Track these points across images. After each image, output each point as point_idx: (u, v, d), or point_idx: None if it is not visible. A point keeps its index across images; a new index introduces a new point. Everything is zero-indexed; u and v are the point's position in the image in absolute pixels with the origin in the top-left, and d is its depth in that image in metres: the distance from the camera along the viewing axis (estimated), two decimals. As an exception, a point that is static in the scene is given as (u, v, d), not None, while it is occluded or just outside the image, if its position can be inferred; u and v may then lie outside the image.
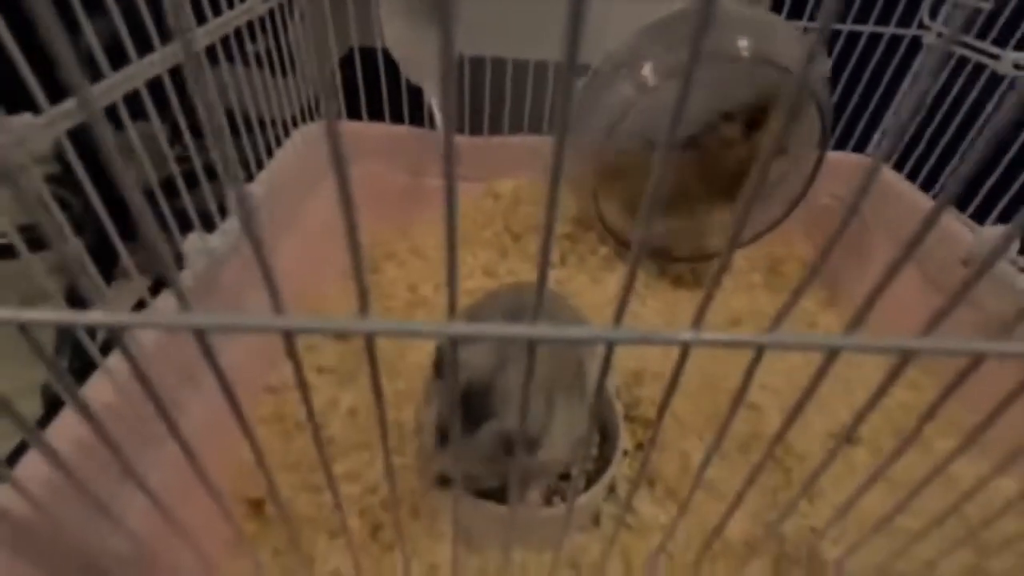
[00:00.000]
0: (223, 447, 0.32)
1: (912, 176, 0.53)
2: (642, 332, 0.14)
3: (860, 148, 0.58)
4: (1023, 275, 0.43)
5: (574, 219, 0.59)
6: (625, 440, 0.39)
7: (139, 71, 0.26)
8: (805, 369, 0.52)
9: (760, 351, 0.15)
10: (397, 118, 0.58)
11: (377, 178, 0.59)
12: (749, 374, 0.16)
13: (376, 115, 0.58)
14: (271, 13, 0.43)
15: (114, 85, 0.25)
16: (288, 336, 0.14)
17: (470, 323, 0.14)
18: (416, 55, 0.53)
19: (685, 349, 0.15)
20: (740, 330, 0.52)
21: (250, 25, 0.40)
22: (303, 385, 0.15)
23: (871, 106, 0.55)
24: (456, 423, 0.18)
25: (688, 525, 0.35)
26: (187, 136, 0.33)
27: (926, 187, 0.51)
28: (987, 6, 0.46)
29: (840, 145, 0.58)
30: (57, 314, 0.13)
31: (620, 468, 0.38)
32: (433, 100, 0.54)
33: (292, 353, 0.14)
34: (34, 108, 0.20)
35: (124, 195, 0.12)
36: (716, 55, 0.45)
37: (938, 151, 0.50)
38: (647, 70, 0.46)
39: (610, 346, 0.15)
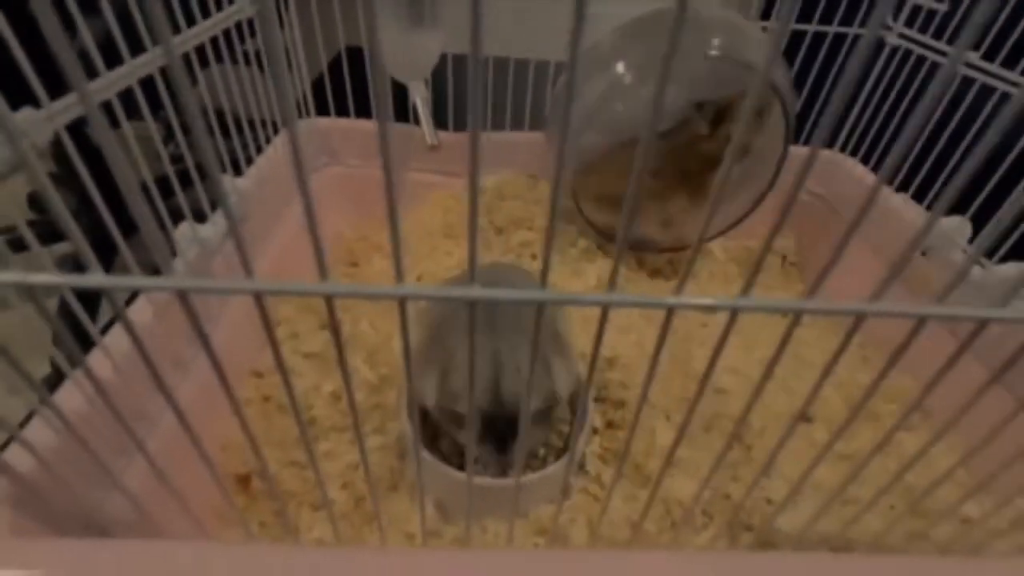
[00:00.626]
0: (210, 427, 0.34)
1: (878, 168, 0.56)
2: (568, 294, 0.17)
3: (830, 144, 0.60)
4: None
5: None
6: (595, 419, 0.42)
7: (132, 70, 0.28)
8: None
9: (670, 312, 0.17)
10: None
11: (363, 173, 0.61)
12: (663, 335, 0.18)
13: (364, 113, 0.60)
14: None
15: (109, 83, 0.27)
16: (258, 298, 0.16)
17: (418, 288, 0.16)
18: (401, 55, 0.54)
19: (605, 310, 0.17)
20: (712, 318, 0.55)
21: (239, 25, 0.42)
22: (274, 344, 0.17)
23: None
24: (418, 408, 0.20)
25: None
26: (180, 135, 0.35)
27: (891, 178, 0.54)
28: (942, 7, 0.48)
29: (810, 141, 0.60)
30: (51, 277, 0.15)
31: (590, 446, 0.40)
32: (417, 97, 0.56)
33: (263, 314, 0.16)
34: (34, 102, 0.22)
35: (113, 171, 0.14)
36: (688, 52, 0.47)
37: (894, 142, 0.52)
38: (621, 67, 0.48)
39: (540, 307, 0.17)
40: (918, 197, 0.51)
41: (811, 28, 0.54)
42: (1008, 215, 0.16)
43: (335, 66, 0.58)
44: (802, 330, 0.57)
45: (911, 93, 0.51)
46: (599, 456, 0.40)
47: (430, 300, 0.37)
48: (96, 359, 0.29)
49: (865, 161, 0.58)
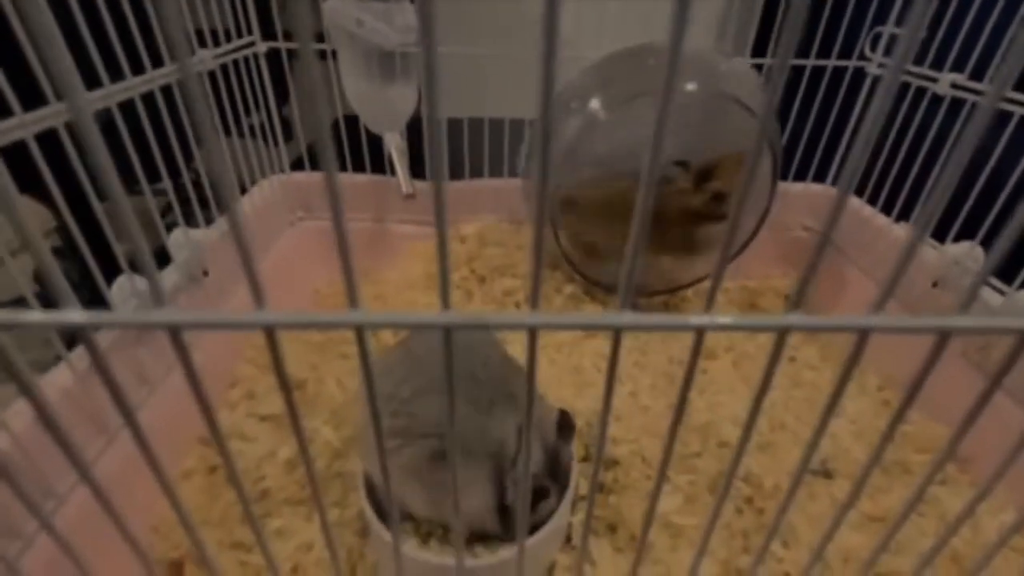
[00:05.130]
0: (139, 504, 0.30)
1: (873, 199, 0.53)
2: (564, 317, 0.13)
3: (820, 178, 0.58)
4: (991, 291, 0.41)
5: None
6: (581, 484, 0.37)
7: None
8: (787, 405, 0.49)
9: (700, 333, 0.14)
10: (359, 169, 0.59)
11: (341, 227, 0.59)
12: (613, 357, 0.14)
13: (339, 167, 0.59)
14: (225, 69, 0.45)
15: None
16: (269, 334, 0.13)
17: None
18: (375, 108, 0.54)
19: (617, 335, 0.14)
20: (713, 363, 0.50)
21: (214, 75, 0.41)
22: (285, 387, 0.13)
23: (824, 137, 0.55)
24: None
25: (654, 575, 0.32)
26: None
27: (887, 208, 0.51)
28: (920, 35, 0.47)
29: (800, 176, 0.58)
30: None
31: (577, 514, 0.35)
32: (392, 147, 0.55)
33: (273, 351, 0.13)
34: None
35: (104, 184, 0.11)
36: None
37: (893, 173, 0.49)
38: (596, 103, 0.47)
39: (532, 332, 0.14)
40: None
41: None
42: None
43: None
44: (815, 374, 0.52)
45: (898, 121, 0.49)
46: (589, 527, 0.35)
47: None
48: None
49: (859, 193, 0.55)
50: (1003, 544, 0.18)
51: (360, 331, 0.13)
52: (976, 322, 0.13)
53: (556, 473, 0.30)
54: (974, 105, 0.42)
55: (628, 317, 0.13)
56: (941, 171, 0.12)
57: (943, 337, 0.13)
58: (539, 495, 0.30)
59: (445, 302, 0.13)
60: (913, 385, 0.15)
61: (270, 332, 0.13)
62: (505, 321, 0.13)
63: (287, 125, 0.57)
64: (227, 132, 0.47)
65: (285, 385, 0.14)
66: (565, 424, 0.31)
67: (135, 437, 0.14)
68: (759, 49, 0.55)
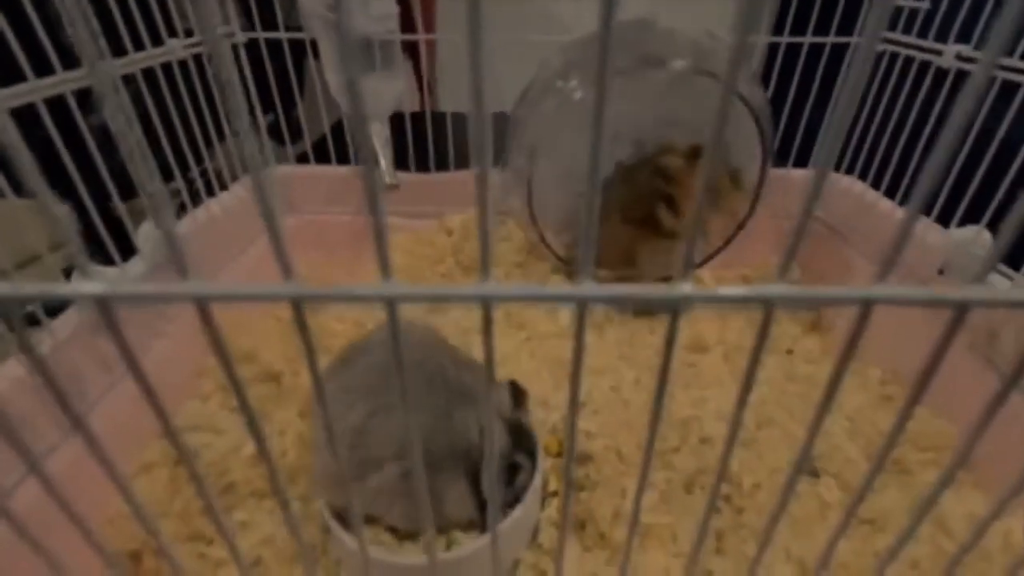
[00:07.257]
0: (98, 495, 0.29)
1: (876, 182, 0.50)
2: (425, 289, 0.12)
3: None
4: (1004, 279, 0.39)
5: (526, 248, 0.57)
6: (553, 478, 0.35)
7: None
8: (779, 401, 0.47)
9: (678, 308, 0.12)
10: (343, 161, 0.58)
11: (323, 219, 0.59)
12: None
13: (323, 159, 0.58)
14: (199, 60, 0.45)
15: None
16: (201, 307, 0.12)
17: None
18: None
19: (487, 306, 0.13)
20: (704, 357, 0.48)
21: (167, 65, 0.41)
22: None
23: (826, 119, 0.53)
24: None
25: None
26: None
27: (891, 191, 0.48)
28: (924, 6, 0.44)
29: (801, 162, 0.56)
30: None
31: (546, 510, 0.34)
32: (375, 137, 0.54)
33: (208, 325, 0.12)
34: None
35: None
36: (651, 62, 0.44)
37: (897, 154, 0.47)
38: (574, 83, 0.45)
39: (391, 304, 0.13)
40: (925, 211, 0.45)
41: (783, 40, 0.51)
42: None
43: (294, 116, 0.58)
44: (814, 368, 0.50)
45: (902, 97, 0.46)
46: (557, 524, 0.33)
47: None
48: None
49: (863, 175, 0.52)
50: (978, 538, 0.16)
51: (201, 304, 0.12)
52: (999, 295, 0.11)
53: (522, 442, 0.31)
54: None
55: (589, 288, 0.12)
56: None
57: (960, 312, 0.12)
58: (513, 471, 0.30)
59: (287, 272, 0.12)
60: (923, 375, 0.12)
61: (103, 304, 0.12)
62: (361, 293, 0.12)
63: (277, 123, 0.57)
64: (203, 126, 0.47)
65: (127, 352, 0.13)
66: (517, 393, 0.31)
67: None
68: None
